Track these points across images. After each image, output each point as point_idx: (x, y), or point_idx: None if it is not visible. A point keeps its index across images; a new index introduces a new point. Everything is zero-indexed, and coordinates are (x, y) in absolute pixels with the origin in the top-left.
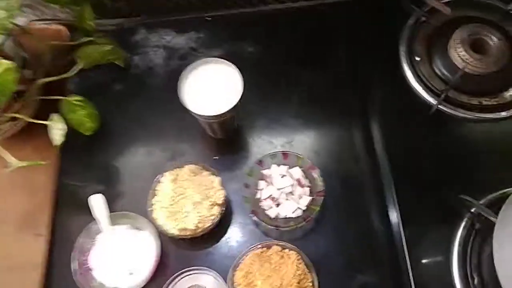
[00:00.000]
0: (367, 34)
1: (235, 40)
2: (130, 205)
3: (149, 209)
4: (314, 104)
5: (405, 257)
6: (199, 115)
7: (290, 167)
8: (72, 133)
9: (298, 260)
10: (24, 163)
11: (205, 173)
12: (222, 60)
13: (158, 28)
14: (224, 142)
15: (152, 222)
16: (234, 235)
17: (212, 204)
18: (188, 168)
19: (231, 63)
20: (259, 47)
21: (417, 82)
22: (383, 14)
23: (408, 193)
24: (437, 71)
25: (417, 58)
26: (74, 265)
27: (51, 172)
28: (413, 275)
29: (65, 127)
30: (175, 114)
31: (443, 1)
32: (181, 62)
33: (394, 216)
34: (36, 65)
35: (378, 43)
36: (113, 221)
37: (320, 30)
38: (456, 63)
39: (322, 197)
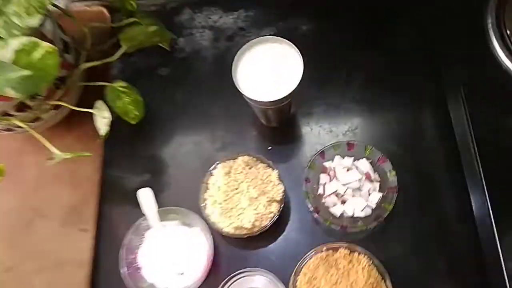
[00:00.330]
0: (443, 5)
1: (288, 18)
2: (177, 199)
3: (202, 204)
4: (379, 88)
5: (498, 264)
6: (255, 101)
7: (356, 159)
8: (116, 122)
9: (369, 265)
10: (69, 155)
11: (261, 165)
12: (281, 39)
13: (203, 7)
14: (279, 130)
15: (205, 218)
16: (292, 235)
17: (270, 201)
18: (242, 159)
19: (290, 43)
20: (315, 25)
21: (509, 58)
22: None
23: (500, 185)
24: None
25: (508, 32)
26: (122, 264)
27: (96, 163)
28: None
29: (110, 115)
30: (224, 100)
31: None
32: (229, 43)
33: (481, 213)
34: (77, 49)
35: (457, 16)
36: (161, 217)
37: (385, 4)
38: None
39: (395, 194)
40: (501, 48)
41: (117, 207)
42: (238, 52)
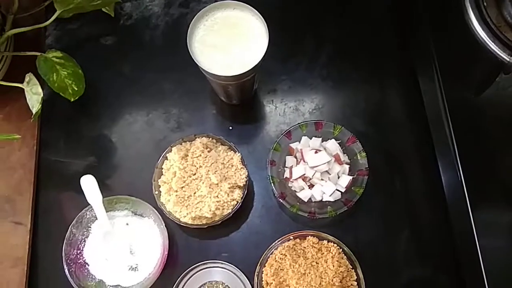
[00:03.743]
0: None
1: None
2: (126, 186)
3: (155, 192)
4: (347, 63)
5: (473, 244)
6: (214, 75)
7: (324, 140)
8: (52, 98)
9: (339, 254)
10: None
11: (222, 147)
12: (242, 4)
13: None
14: (240, 108)
15: (158, 208)
16: (256, 222)
17: (232, 187)
18: (200, 141)
19: (253, 9)
20: None
21: (485, 32)
22: None
23: (474, 162)
24: (509, 18)
25: (485, 3)
26: (65, 260)
27: (30, 147)
28: (485, 269)
29: (41, 91)
30: (178, 74)
31: None
32: (183, 10)
33: (453, 192)
34: (2, 13)
35: None
36: (109, 207)
37: None
38: None
39: (366, 177)
40: (476, 19)
41: (57, 196)
42: (194, 19)
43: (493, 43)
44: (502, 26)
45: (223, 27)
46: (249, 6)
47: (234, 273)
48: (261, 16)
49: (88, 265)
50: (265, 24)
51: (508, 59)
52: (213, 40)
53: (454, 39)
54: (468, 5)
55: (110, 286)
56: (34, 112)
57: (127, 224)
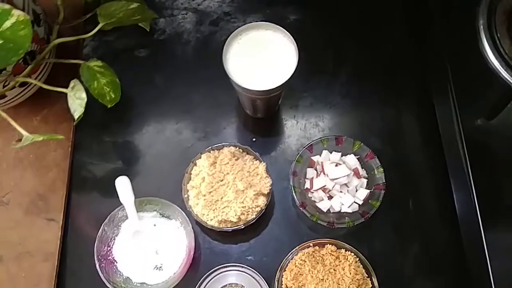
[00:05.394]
0: (434, 4)
1: (275, 6)
2: (153, 189)
3: (185, 195)
4: (366, 82)
5: (485, 265)
6: (246, 90)
7: (344, 154)
8: (87, 104)
9: (356, 262)
10: (39, 137)
11: (248, 157)
12: (275, 26)
13: None
14: (264, 121)
15: (187, 210)
16: (275, 229)
17: (257, 194)
18: (228, 150)
19: (286, 31)
20: (303, 14)
21: (499, 61)
22: None
23: (487, 181)
24: None
25: (499, 34)
26: (96, 256)
27: (65, 148)
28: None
29: (85, 96)
30: (206, 86)
31: None
32: (214, 28)
33: (465, 212)
34: (49, 23)
35: (448, 15)
36: (139, 208)
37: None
38: None
39: (383, 191)
40: (491, 49)
41: (87, 195)
42: (229, 37)
43: (506, 72)
44: None
45: (256, 46)
46: (281, 28)
47: (254, 277)
48: (291, 37)
49: (117, 262)
50: (295, 44)
51: None
52: (247, 57)
53: (469, 67)
54: (483, 36)
55: (137, 283)
56: (76, 116)
57: (154, 225)
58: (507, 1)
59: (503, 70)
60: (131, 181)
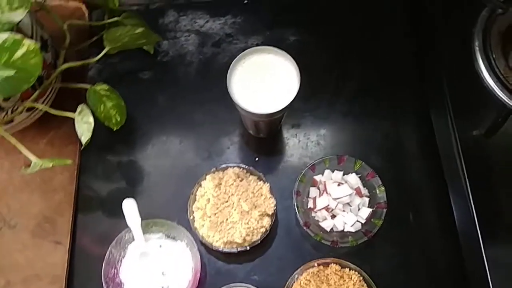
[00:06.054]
0: (434, 24)
1: (276, 28)
2: (157, 210)
3: (190, 217)
4: (367, 99)
5: (485, 279)
6: (249, 112)
7: (345, 173)
8: (94, 127)
9: (360, 281)
10: (49, 163)
11: (252, 177)
12: (278, 50)
13: (189, 10)
14: (266, 141)
15: (192, 232)
16: (279, 249)
17: (261, 214)
18: (233, 171)
19: (288, 55)
20: (304, 35)
21: (494, 81)
22: (452, 3)
23: (485, 195)
24: None
25: (494, 55)
26: (104, 279)
27: (71, 171)
28: None
29: (92, 120)
30: (208, 107)
31: None
32: (215, 49)
33: (465, 227)
34: (56, 48)
35: (445, 35)
36: (145, 229)
37: (378, 17)
38: None
39: (385, 210)
40: (486, 70)
41: (93, 217)
42: (233, 62)
43: (501, 92)
44: (509, 77)
45: (259, 69)
46: (283, 51)
47: None
48: (293, 60)
49: (124, 284)
50: (297, 67)
51: None
52: (250, 81)
53: (466, 87)
54: (478, 57)
55: None
56: (84, 140)
57: (160, 246)
58: (501, 23)
59: (499, 90)
60: (136, 201)
